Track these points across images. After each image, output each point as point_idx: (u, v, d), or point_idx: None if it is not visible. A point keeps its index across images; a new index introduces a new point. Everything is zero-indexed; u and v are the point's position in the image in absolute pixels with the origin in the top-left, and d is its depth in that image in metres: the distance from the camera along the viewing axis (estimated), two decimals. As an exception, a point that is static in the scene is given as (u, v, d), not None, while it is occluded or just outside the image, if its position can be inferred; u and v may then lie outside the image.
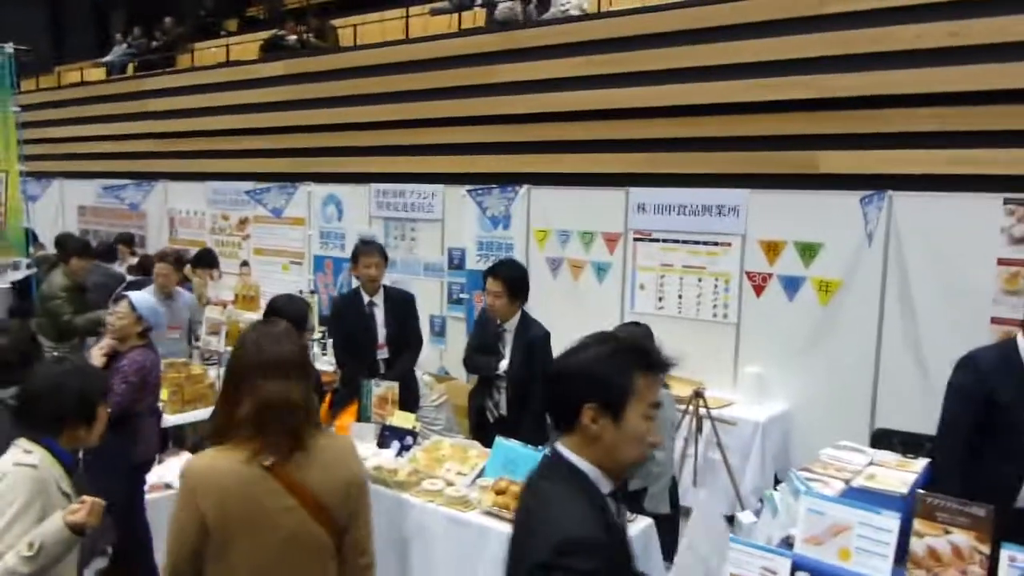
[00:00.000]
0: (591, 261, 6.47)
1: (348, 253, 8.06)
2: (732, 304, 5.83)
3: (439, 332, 7.40)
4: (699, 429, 5.21)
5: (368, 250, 5.00)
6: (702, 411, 5.20)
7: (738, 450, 5.32)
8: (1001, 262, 4.83)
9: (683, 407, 5.45)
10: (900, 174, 5.17)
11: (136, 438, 3.98)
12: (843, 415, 5.34)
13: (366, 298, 5.03)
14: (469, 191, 6.65)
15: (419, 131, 7.51)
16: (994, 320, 4.86)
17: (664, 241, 6.09)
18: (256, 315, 7.07)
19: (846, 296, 5.36)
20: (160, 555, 4.36)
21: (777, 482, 5.56)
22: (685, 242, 5.99)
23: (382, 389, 4.41)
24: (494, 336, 4.42)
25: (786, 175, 5.57)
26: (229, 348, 6.06)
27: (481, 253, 7.09)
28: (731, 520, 5.25)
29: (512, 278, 4.34)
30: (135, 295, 4.27)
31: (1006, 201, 4.80)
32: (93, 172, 11.25)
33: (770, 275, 5.65)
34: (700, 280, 5.95)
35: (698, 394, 5.27)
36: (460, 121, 7.26)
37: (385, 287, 5.12)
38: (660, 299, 6.14)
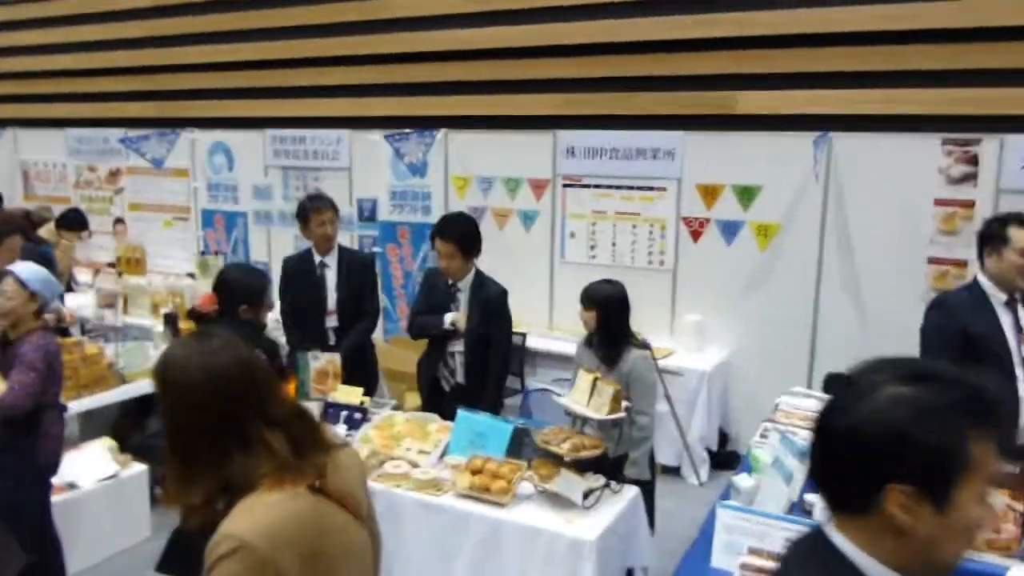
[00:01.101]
0: (517, 209, 6.13)
1: (242, 206, 7.42)
2: (668, 251, 5.66)
3: (350, 289, 6.89)
4: (646, 382, 5.06)
5: (320, 206, 4.46)
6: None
7: (684, 401, 5.22)
8: (938, 203, 4.87)
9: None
10: (835, 115, 5.08)
11: (41, 437, 3.38)
12: (782, 360, 5.33)
13: (317, 258, 4.51)
14: (386, 137, 6.11)
15: (319, 71, 6.84)
16: (931, 260, 4.92)
17: (596, 187, 5.82)
18: (143, 280, 6.35)
19: (785, 239, 5.30)
20: (71, 564, 3.82)
21: (722, 433, 5.53)
22: (618, 187, 5.75)
23: (322, 362, 3.96)
24: (445, 296, 4.03)
25: (720, 116, 5.39)
26: (130, 320, 5.39)
27: (395, 203, 6.61)
28: (677, 472, 5.11)
29: (462, 236, 3.93)
30: (20, 268, 3.60)
31: (944, 141, 4.81)
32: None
33: (707, 220, 5.51)
34: (634, 227, 5.74)
35: (645, 345, 5.10)
36: (362, 60, 6.65)
37: (341, 247, 4.61)
38: (592, 247, 5.90)
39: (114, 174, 8.10)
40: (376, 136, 6.53)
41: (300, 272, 4.54)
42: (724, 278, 5.48)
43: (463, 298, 4.01)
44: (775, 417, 4.25)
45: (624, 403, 3.39)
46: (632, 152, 5.64)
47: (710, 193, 5.48)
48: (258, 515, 1.53)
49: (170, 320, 5.40)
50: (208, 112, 7.42)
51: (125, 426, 4.66)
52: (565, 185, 5.93)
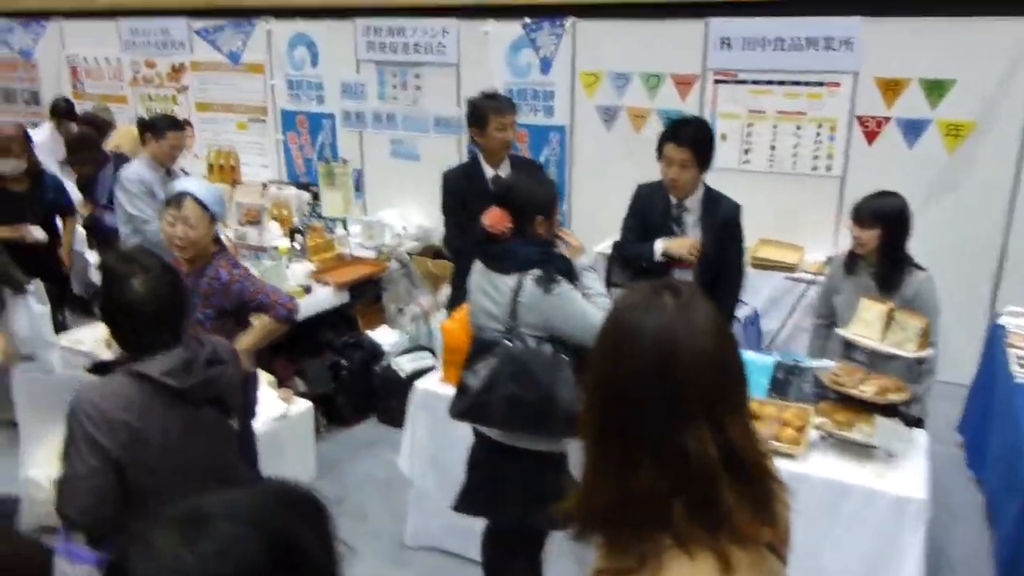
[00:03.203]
0: (657, 109, 5.53)
1: (327, 106, 6.76)
2: (837, 154, 5.12)
3: (456, 198, 6.34)
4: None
5: (501, 107, 3.85)
6: (834, 281, 4.60)
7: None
8: None
9: (810, 276, 4.86)
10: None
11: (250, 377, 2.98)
12: (964, 277, 4.87)
13: (489, 171, 3.94)
14: (525, 26, 5.44)
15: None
16: None
17: (754, 83, 5.21)
18: (240, 188, 5.79)
19: (979, 140, 4.76)
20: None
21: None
22: (781, 83, 5.15)
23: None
24: (666, 216, 3.46)
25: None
26: (282, 243, 4.79)
27: (511, 103, 5.98)
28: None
29: (701, 141, 3.36)
30: (193, 186, 3.08)
31: None
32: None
33: (887, 119, 4.95)
34: (799, 128, 5.17)
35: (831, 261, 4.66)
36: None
37: (510, 155, 4.03)
38: (746, 151, 5.35)
39: (176, 70, 7.38)
40: (490, 27, 5.86)
41: (469, 187, 3.97)
42: (902, 185, 4.89)
43: (691, 220, 3.45)
44: (1012, 341, 3.87)
45: (925, 338, 2.95)
46: (801, 42, 5.01)
47: (892, 88, 4.89)
48: None
49: (296, 235, 4.91)
50: (281, 0, 6.66)
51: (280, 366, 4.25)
52: (717, 81, 5.32)
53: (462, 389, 2.57)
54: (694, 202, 3.44)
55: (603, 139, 5.73)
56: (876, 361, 3.07)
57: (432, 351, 4.82)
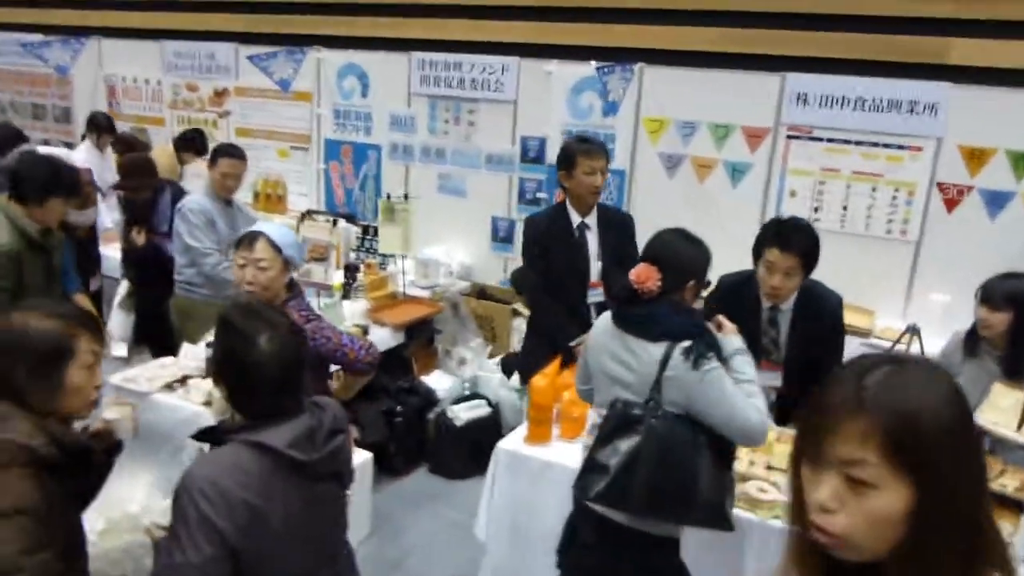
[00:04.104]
0: (724, 160, 5.37)
1: (375, 137, 6.59)
2: (914, 220, 4.95)
3: (504, 237, 6.16)
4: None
5: (590, 150, 3.66)
6: (915, 350, 4.39)
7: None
8: None
9: (887, 342, 4.65)
10: None
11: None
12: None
13: (576, 218, 3.75)
14: (598, 68, 5.29)
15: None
16: None
17: (830, 141, 5.06)
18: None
19: (1067, 216, 4.61)
20: None
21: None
22: (859, 143, 4.99)
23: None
24: (754, 316, 3.14)
25: (997, 69, 4.63)
26: (336, 280, 4.53)
27: (569, 146, 5.81)
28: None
29: (809, 247, 3.02)
30: (269, 228, 2.88)
31: None
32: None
33: (969, 188, 4.79)
34: (874, 189, 5.01)
35: (914, 330, 4.45)
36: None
37: (600, 205, 3.84)
38: (816, 209, 5.17)
39: (219, 94, 7.21)
40: (553, 67, 5.72)
41: (554, 235, 3.78)
42: (982, 256, 4.75)
43: (784, 322, 3.18)
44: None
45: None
46: (883, 103, 4.87)
47: (976, 157, 4.74)
48: None
49: (350, 273, 4.70)
50: (340, 30, 6.51)
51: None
52: (790, 136, 5.17)
53: (597, 468, 2.33)
54: (789, 304, 3.17)
55: (664, 186, 5.56)
56: (1000, 449, 2.85)
57: (487, 399, 4.60)
